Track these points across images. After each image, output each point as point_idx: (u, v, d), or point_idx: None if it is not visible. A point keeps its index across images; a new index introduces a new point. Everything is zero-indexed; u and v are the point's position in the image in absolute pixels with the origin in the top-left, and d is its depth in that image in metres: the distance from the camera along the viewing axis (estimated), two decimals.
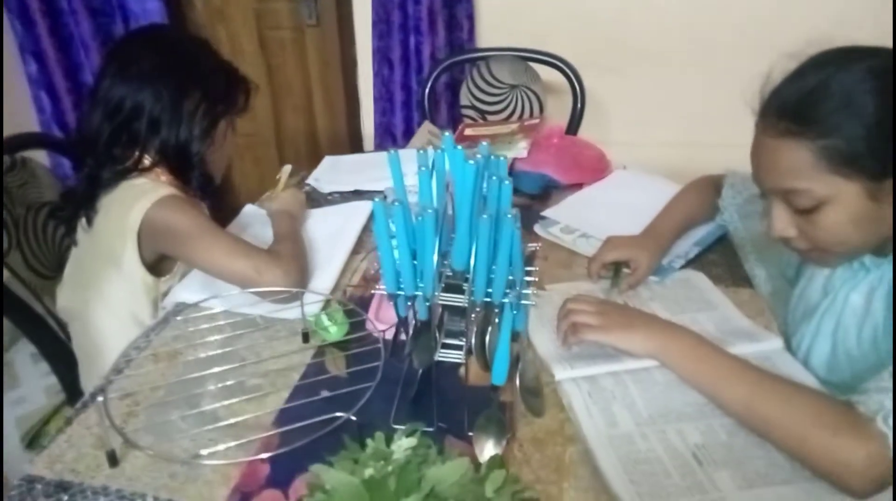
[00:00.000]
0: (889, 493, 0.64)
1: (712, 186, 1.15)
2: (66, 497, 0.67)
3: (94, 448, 0.73)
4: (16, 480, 0.69)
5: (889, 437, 0.63)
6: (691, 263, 1.08)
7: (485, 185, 0.70)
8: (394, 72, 2.25)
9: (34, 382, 2.07)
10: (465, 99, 1.82)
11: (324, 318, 0.89)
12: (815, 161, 0.73)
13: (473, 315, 0.68)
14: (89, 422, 0.77)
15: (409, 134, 2.38)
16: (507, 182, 0.65)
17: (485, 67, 1.79)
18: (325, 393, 0.79)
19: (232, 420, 0.74)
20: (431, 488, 0.47)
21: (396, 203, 0.64)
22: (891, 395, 0.65)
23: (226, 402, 0.78)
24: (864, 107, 0.70)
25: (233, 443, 0.70)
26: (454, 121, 2.20)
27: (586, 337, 0.83)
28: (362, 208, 1.20)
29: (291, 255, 1.00)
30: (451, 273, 0.68)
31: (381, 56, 2.25)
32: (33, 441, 1.84)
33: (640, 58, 2.04)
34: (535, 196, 1.30)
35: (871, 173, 0.71)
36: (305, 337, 0.90)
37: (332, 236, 1.12)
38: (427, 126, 1.56)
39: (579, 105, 1.75)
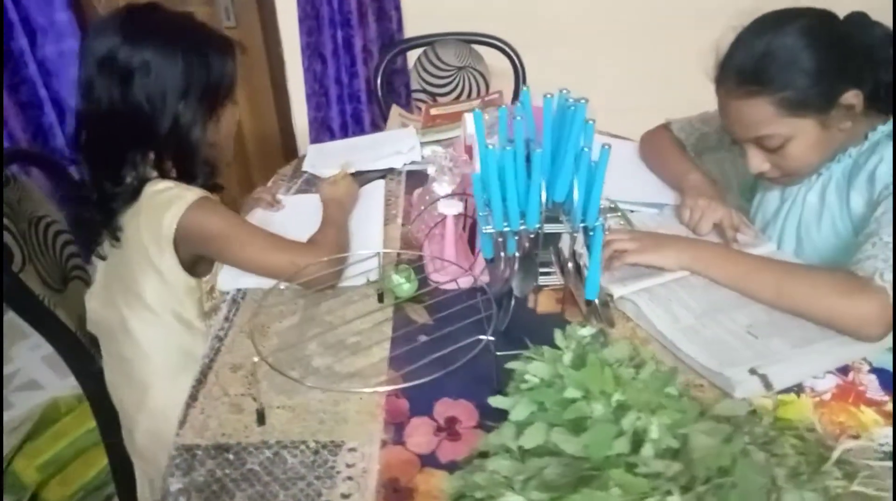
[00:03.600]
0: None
1: (667, 135, 1.32)
2: (231, 456, 0.71)
3: (233, 413, 0.77)
4: (172, 451, 0.72)
5: (887, 288, 0.81)
6: None
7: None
8: (327, 66, 2.29)
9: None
10: (415, 83, 1.91)
11: (394, 277, 0.96)
12: (775, 110, 0.93)
13: (563, 243, 0.80)
14: (214, 393, 0.80)
15: (345, 127, 2.43)
16: (591, 122, 0.77)
17: (431, 52, 1.89)
18: (423, 338, 0.88)
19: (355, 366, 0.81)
20: (615, 362, 0.59)
21: (508, 148, 0.74)
22: (879, 259, 0.84)
23: (336, 358, 0.85)
24: (804, 61, 0.91)
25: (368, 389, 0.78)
26: (402, 106, 2.29)
27: (627, 260, 0.97)
28: (377, 187, 1.28)
29: (332, 243, 1.02)
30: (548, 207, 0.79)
31: (312, 51, 2.28)
32: None
33: (559, 33, 2.23)
34: None
35: (819, 109, 0.93)
36: (380, 297, 0.97)
37: (359, 212, 1.19)
38: (396, 110, 1.64)
39: (521, 81, 1.91)
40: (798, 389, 0.78)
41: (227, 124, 1.10)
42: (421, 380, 0.67)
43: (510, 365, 0.62)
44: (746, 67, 0.94)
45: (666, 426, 0.50)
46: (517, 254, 0.80)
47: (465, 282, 0.97)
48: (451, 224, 0.99)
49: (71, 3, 2.05)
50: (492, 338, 0.73)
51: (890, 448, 0.69)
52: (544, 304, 0.95)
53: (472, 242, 1.05)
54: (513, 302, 0.85)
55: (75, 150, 1.04)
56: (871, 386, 0.79)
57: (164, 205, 0.98)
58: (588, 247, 0.79)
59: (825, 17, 0.94)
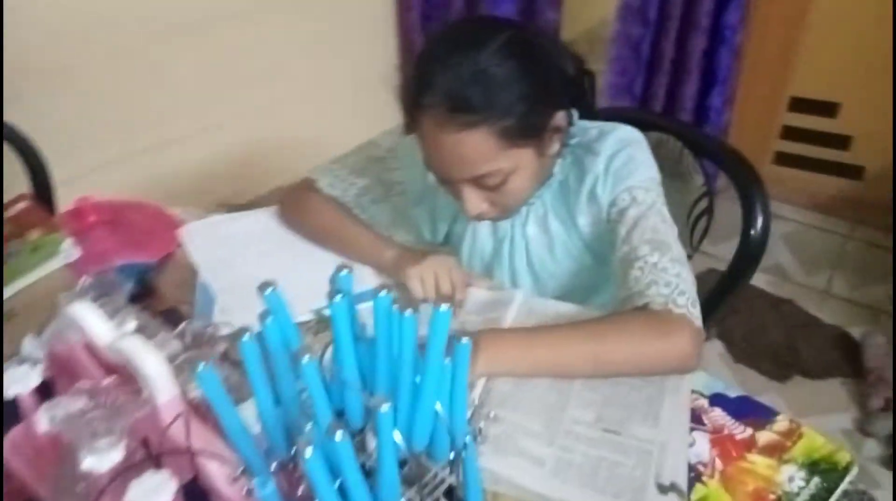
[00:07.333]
0: None
1: (319, 197, 1.01)
2: None
3: None
4: None
5: (686, 314, 0.76)
6: None
7: None
8: None
9: None
10: None
11: None
12: (498, 142, 0.78)
13: None
14: None
15: None
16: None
17: None
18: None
19: None
20: None
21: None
22: (660, 285, 0.77)
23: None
24: (518, 83, 0.77)
25: None
26: None
27: None
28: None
29: None
30: None
31: None
32: None
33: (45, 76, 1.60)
34: (138, 295, 0.93)
35: (536, 136, 0.81)
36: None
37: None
38: None
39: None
40: (695, 476, 0.67)
41: None
42: None
43: None
44: (457, 92, 0.74)
45: None
46: None
47: None
48: None
49: None
50: None
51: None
52: None
53: None
54: None
55: None
56: (725, 422, 0.73)
57: None
58: (464, 469, 0.49)
59: (520, 28, 0.80)
